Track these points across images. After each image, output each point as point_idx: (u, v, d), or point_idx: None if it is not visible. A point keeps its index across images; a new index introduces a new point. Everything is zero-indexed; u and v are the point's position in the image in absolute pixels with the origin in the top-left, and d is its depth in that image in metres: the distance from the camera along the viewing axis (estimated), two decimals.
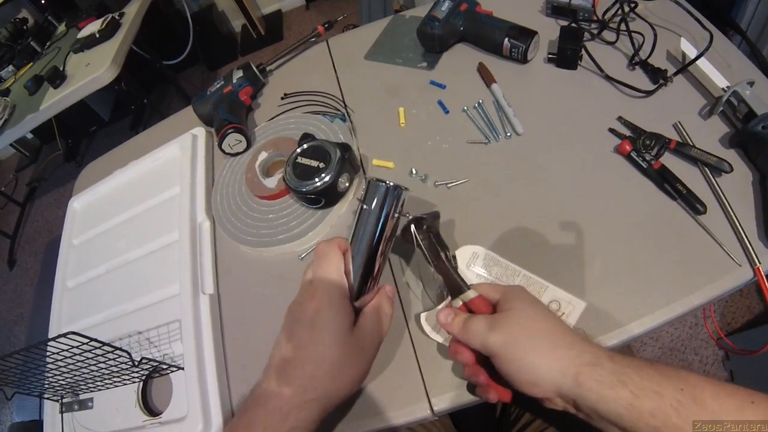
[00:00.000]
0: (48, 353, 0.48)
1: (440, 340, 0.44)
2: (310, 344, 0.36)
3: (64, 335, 0.43)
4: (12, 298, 2.06)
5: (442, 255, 0.41)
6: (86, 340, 0.45)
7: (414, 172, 0.55)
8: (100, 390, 0.56)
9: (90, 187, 0.76)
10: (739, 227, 0.43)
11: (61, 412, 0.57)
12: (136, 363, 0.50)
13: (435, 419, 0.60)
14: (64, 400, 0.58)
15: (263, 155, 0.61)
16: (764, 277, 0.41)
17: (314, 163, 0.51)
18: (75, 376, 0.53)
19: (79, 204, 0.77)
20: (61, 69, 1.40)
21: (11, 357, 0.47)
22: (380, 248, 0.41)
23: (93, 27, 1.44)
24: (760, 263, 0.41)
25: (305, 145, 0.53)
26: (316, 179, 0.50)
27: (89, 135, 2.47)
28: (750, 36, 0.78)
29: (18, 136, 1.44)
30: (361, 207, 0.42)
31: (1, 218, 2.37)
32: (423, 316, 0.45)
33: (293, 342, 0.37)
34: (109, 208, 0.72)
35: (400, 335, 0.46)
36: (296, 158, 0.53)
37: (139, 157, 0.74)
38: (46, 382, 0.55)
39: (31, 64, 1.60)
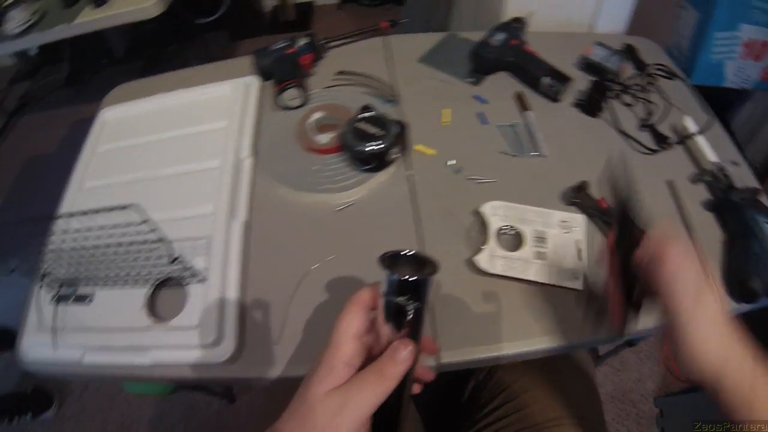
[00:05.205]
0: (66, 230, 0.45)
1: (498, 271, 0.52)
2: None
3: (124, 207, 0.39)
4: None
5: None
6: (142, 219, 0.42)
7: (450, 163, 0.63)
8: (106, 286, 0.56)
9: (126, 102, 0.78)
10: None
11: (55, 302, 0.56)
12: (173, 260, 0.51)
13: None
14: (61, 292, 0.57)
15: (317, 114, 0.68)
16: None
17: (372, 130, 0.58)
18: (90, 263, 0.50)
19: (112, 115, 0.78)
20: None
21: (27, 224, 0.44)
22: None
23: None
24: None
25: (367, 114, 0.60)
26: (373, 143, 0.57)
27: (97, 67, 2.43)
28: (738, 134, 0.94)
29: (43, 42, 1.43)
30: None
31: None
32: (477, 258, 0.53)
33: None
34: (144, 126, 0.74)
35: None
36: (357, 122, 0.59)
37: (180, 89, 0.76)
38: (50, 266, 0.53)
39: None
